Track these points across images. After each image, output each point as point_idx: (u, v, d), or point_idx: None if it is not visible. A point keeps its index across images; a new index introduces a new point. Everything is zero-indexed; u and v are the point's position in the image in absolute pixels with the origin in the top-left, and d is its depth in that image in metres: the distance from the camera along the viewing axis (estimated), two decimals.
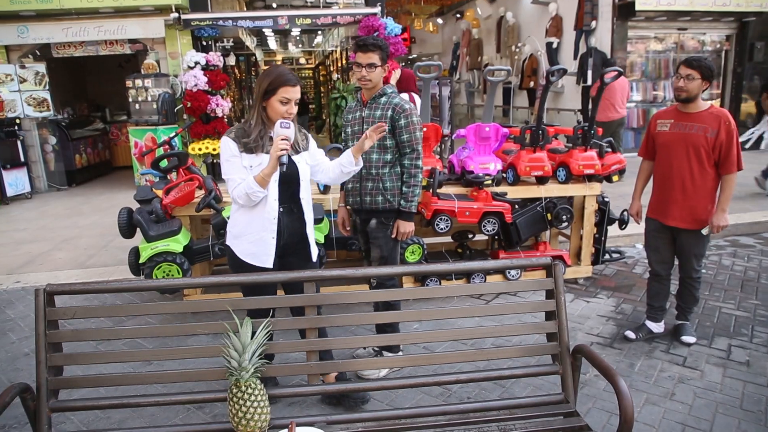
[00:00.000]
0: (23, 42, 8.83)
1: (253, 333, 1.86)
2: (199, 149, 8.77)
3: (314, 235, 2.79)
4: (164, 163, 3.96)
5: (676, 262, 3.62)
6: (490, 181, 4.06)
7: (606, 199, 4.52)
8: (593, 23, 10.33)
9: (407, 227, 3.09)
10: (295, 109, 2.47)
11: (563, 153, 4.38)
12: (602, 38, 10.38)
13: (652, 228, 3.58)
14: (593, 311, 4.10)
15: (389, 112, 3.00)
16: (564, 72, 4.12)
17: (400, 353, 3.23)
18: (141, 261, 3.48)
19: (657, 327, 3.68)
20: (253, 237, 2.54)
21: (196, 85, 8.58)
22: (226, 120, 9.14)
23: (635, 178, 3.72)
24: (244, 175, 2.41)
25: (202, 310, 2.15)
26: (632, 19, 10.16)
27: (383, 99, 3.05)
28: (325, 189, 4.01)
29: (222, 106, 8.79)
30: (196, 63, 8.69)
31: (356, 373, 3.06)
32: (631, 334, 3.64)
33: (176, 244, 3.47)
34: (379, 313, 2.40)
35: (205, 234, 4.16)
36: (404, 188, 3.07)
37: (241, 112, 13.28)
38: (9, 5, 8.20)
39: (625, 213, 4.64)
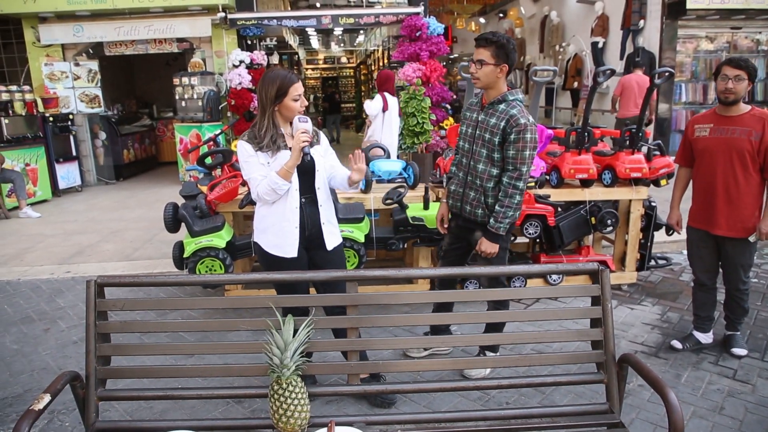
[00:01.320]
0: (78, 41, 9.18)
1: (295, 331, 1.88)
2: None
3: (335, 225, 2.85)
4: (209, 160, 4.05)
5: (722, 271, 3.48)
6: (533, 183, 3.99)
7: (653, 204, 4.38)
8: (641, 22, 10.04)
9: (490, 248, 2.86)
10: (306, 103, 2.63)
11: (609, 155, 4.26)
12: (650, 38, 10.06)
13: (695, 237, 3.43)
14: (638, 319, 3.98)
15: (503, 123, 2.77)
16: (612, 72, 4.02)
17: (498, 354, 3.15)
18: (185, 255, 3.56)
19: (705, 337, 3.54)
20: (276, 228, 2.63)
21: (240, 83, 8.74)
22: None
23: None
24: (264, 172, 2.52)
25: (243, 306, 2.18)
26: (682, 18, 9.82)
27: (501, 106, 2.82)
28: (367, 188, 4.02)
29: None
30: (241, 62, 8.86)
31: (461, 372, 3.03)
32: (677, 344, 3.51)
33: (219, 239, 3.54)
34: (426, 314, 2.37)
35: (247, 230, 4.22)
36: (497, 207, 2.84)
37: None
38: (66, 5, 8.53)
39: None
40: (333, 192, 3.79)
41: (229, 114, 9.15)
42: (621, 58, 10.64)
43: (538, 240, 4.37)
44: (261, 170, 2.53)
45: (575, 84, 12.24)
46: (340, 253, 2.85)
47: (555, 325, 3.60)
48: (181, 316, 3.85)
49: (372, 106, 6.15)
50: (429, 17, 8.96)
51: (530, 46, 15.30)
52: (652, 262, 4.64)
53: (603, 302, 2.01)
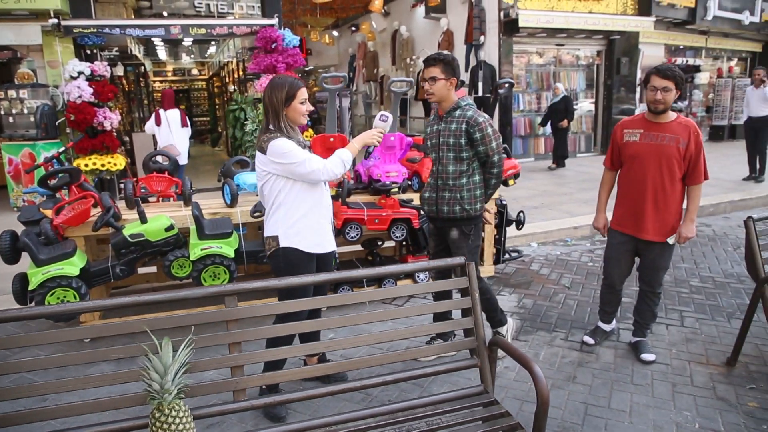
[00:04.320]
0: None
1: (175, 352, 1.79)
2: (85, 165, 8.17)
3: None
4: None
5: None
6: (396, 189, 4.18)
7: (504, 202, 4.80)
8: (482, 38, 10.94)
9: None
10: (310, 107, 2.81)
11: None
12: (490, 52, 11.03)
13: (618, 241, 3.46)
14: None
15: (463, 125, 3.09)
16: (512, 85, 4.43)
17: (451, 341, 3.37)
18: (31, 287, 3.18)
19: (609, 327, 3.72)
20: (316, 227, 2.78)
21: (80, 97, 7.98)
22: (115, 133, 8.60)
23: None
24: (315, 156, 2.70)
25: (111, 334, 2.02)
26: (516, 35, 10.90)
27: (457, 112, 3.15)
28: (232, 202, 3.91)
29: (110, 119, 8.25)
30: (80, 73, 8.10)
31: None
32: (589, 339, 3.65)
33: (71, 267, 3.22)
34: (304, 322, 2.39)
35: (102, 255, 3.89)
36: (488, 192, 3.25)
37: (130, 125, 12.55)
38: None
39: (522, 214, 4.97)
40: (197, 205, 3.64)
41: (68, 130, 8.31)
42: (465, 71, 11.50)
43: (404, 242, 4.58)
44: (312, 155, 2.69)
45: (426, 95, 12.96)
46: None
47: (427, 321, 3.80)
48: (27, 355, 3.42)
49: (147, 126, 7.89)
50: (284, 29, 8.96)
51: (383, 58, 15.92)
52: (506, 256, 5.08)
53: (471, 293, 2.18)
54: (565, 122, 10.46)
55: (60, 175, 3.58)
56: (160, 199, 4.28)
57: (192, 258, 3.41)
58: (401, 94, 4.16)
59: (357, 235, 4.02)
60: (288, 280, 1.98)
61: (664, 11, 12.30)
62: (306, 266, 2.78)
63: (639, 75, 12.80)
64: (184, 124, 7.78)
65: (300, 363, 3.26)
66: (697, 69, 14.49)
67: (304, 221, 2.73)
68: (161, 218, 3.50)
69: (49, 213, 3.53)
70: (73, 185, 3.60)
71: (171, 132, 7.55)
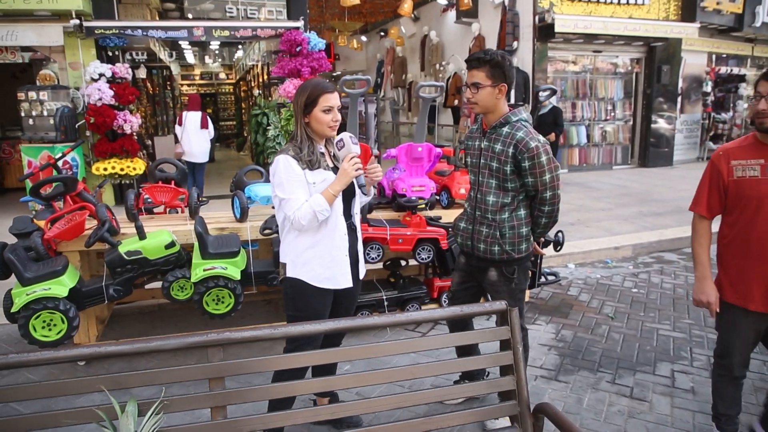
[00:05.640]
0: None
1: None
2: (104, 169, 7.99)
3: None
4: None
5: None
6: (424, 205, 3.78)
7: None
8: (515, 44, 10.48)
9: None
10: (339, 116, 2.36)
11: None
12: (524, 58, 10.54)
13: (744, 320, 2.44)
14: (534, 340, 3.89)
15: (511, 149, 2.48)
16: (554, 92, 4.03)
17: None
18: (13, 310, 2.87)
19: None
20: (326, 259, 2.37)
21: (100, 99, 7.82)
22: (135, 137, 8.41)
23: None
24: (306, 195, 2.27)
25: (62, 393, 1.58)
26: (552, 41, 10.42)
27: (505, 129, 2.52)
28: (242, 216, 3.56)
29: (130, 122, 8.07)
30: (101, 75, 7.95)
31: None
32: None
33: (60, 287, 2.89)
34: (317, 353, 2.00)
35: (101, 271, 3.58)
36: (538, 230, 2.68)
37: (154, 129, 12.43)
38: None
39: (561, 234, 4.50)
40: (201, 221, 3.30)
41: (88, 133, 8.15)
42: None
43: (431, 263, 4.17)
44: (304, 192, 2.27)
45: (456, 102, 12.56)
46: (359, 285, 2.61)
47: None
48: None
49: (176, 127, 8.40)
50: (310, 32, 8.67)
51: (411, 64, 15.56)
52: (542, 279, 4.62)
53: (513, 345, 1.77)
54: (552, 136, 9.39)
55: (55, 183, 3.28)
56: (167, 210, 3.97)
57: (193, 280, 3.06)
58: (430, 100, 3.76)
59: (378, 256, 3.64)
60: (285, 329, 1.59)
61: (709, 17, 11.67)
62: (315, 301, 2.39)
63: (680, 84, 12.18)
64: (203, 126, 8.16)
65: (309, 402, 2.89)
66: (742, 79, 13.75)
67: (312, 251, 2.34)
68: (162, 234, 3.17)
69: (43, 224, 3.23)
70: (68, 195, 3.29)
71: (188, 133, 8.08)
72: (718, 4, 11.63)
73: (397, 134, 16.81)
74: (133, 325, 4.08)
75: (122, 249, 3.06)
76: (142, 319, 4.19)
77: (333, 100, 2.31)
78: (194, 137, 8.12)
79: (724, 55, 13.34)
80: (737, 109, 13.78)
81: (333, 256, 2.37)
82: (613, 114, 12.02)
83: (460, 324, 2.86)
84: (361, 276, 2.58)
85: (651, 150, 11.97)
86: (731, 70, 13.64)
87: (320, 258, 2.35)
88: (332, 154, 2.45)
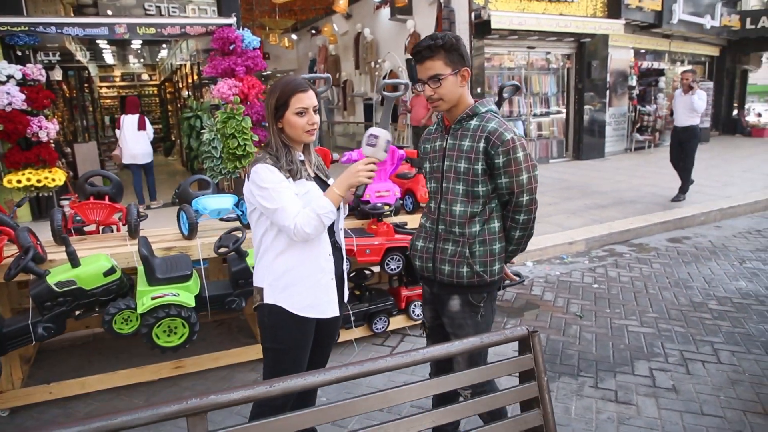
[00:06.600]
0: None
1: None
2: (18, 181, 7.19)
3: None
4: None
5: None
6: (389, 213, 3.54)
7: None
8: None
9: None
10: (317, 118, 2.04)
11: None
12: None
13: None
14: (508, 346, 3.74)
15: (482, 143, 2.05)
16: (518, 88, 3.87)
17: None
18: None
19: None
20: (309, 282, 2.06)
21: (10, 104, 7.01)
22: (53, 145, 7.64)
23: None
24: (298, 203, 1.96)
25: None
26: (487, 37, 10.45)
27: (473, 122, 2.10)
28: (190, 233, 3.18)
29: (47, 128, 7.30)
30: (9, 77, 7.13)
31: None
32: None
33: None
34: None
35: (24, 305, 3.09)
36: (510, 246, 2.19)
37: (72, 135, 11.46)
38: None
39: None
40: (146, 241, 2.91)
41: None
42: None
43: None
44: (296, 199, 1.96)
45: None
46: (344, 309, 2.30)
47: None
48: None
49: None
50: (243, 30, 8.21)
51: (345, 62, 15.29)
52: (507, 281, 4.50)
53: (538, 377, 1.56)
54: None
55: None
56: (101, 229, 3.51)
57: (140, 311, 2.66)
58: (393, 98, 3.51)
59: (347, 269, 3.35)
60: (284, 384, 1.30)
61: (632, 14, 12.13)
62: (297, 331, 2.08)
63: (608, 79, 12.59)
64: (140, 128, 8.32)
65: None
66: (661, 73, 14.44)
67: (294, 274, 2.03)
68: (99, 258, 2.74)
69: None
70: None
71: (126, 136, 8.25)
72: (640, 1, 12.11)
73: (332, 134, 16.49)
74: (66, 360, 3.60)
75: (51, 279, 2.61)
76: (75, 353, 3.71)
77: (307, 99, 2.01)
78: (132, 139, 8.29)
79: (643, 51, 13.95)
80: (658, 101, 14.46)
81: (317, 279, 2.07)
82: (547, 109, 12.27)
83: (444, 365, 2.29)
84: (345, 299, 2.29)
85: (584, 143, 12.31)
86: (651, 65, 14.29)
87: (304, 282, 2.05)
88: (314, 163, 2.16)
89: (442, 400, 2.09)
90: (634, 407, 2.99)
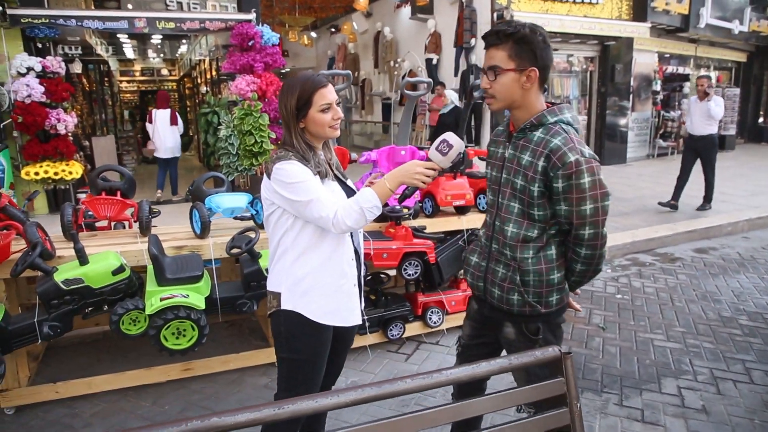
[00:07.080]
0: None
1: None
2: (36, 174, 7.20)
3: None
4: None
5: None
6: (408, 217, 3.42)
7: None
8: (473, 41, 10.29)
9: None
10: (341, 112, 1.97)
11: (483, 178, 3.86)
12: (482, 56, 10.35)
13: None
14: None
15: (541, 162, 1.75)
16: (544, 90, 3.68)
17: None
18: None
19: None
20: (330, 289, 1.96)
21: (29, 96, 7.04)
22: (71, 138, 7.64)
23: None
24: (330, 196, 1.87)
25: None
26: None
27: (537, 134, 1.79)
28: (203, 232, 3.08)
29: (65, 121, 7.31)
30: (29, 69, 7.15)
31: None
32: None
33: None
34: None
35: (32, 300, 3.02)
36: (572, 278, 1.91)
37: (91, 129, 11.51)
38: None
39: None
40: (156, 240, 2.81)
41: (15, 134, 7.34)
42: (455, 75, 10.84)
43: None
44: (328, 191, 1.89)
45: None
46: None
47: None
48: None
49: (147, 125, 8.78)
50: (263, 26, 8.15)
51: (364, 61, 15.21)
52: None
53: (570, 402, 1.43)
54: None
55: None
56: (112, 225, 3.43)
57: (148, 312, 2.57)
58: (416, 97, 3.39)
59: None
60: (294, 407, 1.18)
61: (659, 17, 11.87)
62: (316, 340, 1.98)
63: (632, 83, 12.34)
64: (172, 123, 8.61)
65: None
66: (686, 78, 14.13)
67: (314, 278, 1.93)
68: (108, 256, 2.66)
69: None
70: None
71: (159, 130, 8.45)
72: (666, 4, 11.84)
73: (349, 133, 16.41)
74: (74, 358, 3.53)
75: (58, 277, 2.54)
76: (84, 351, 3.64)
77: (329, 95, 1.91)
78: (165, 134, 8.51)
79: (668, 55, 13.66)
80: (682, 107, 14.16)
81: (340, 286, 1.96)
82: None
83: (468, 389, 2.04)
84: (362, 306, 2.17)
85: (606, 148, 12.07)
86: (676, 70, 13.99)
87: (325, 287, 1.94)
88: (333, 161, 2.05)
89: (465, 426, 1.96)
90: (662, 429, 2.84)
